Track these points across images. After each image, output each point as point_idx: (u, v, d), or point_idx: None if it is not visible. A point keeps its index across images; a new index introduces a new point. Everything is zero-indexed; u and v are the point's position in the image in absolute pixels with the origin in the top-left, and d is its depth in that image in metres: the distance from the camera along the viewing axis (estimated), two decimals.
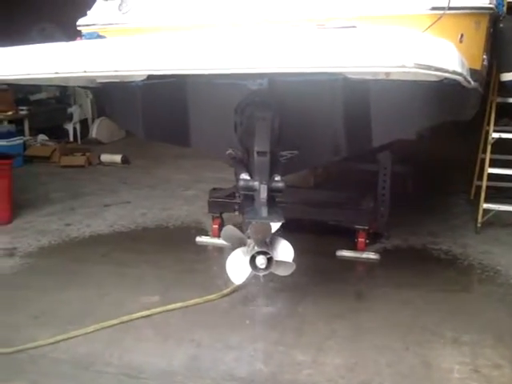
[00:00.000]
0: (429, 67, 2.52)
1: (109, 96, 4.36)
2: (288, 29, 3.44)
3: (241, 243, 3.47)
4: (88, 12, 4.20)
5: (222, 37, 3.07)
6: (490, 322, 4.03)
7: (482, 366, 3.50)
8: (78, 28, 4.14)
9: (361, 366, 3.50)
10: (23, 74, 3.15)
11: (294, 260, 3.58)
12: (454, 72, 2.68)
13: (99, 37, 3.80)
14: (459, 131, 6.72)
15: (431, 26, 3.24)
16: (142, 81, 3.80)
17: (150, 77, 3.67)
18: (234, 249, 3.52)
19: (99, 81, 3.96)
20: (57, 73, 3.01)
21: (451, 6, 3.40)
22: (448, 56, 2.64)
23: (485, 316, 4.14)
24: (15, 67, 3.18)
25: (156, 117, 4.24)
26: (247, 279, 3.59)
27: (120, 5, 3.97)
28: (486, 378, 3.39)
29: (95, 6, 4.19)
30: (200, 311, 4.18)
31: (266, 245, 3.39)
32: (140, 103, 4.20)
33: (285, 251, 3.51)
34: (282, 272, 3.59)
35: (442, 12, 3.31)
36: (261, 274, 3.40)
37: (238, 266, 3.50)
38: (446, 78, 2.88)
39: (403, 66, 2.44)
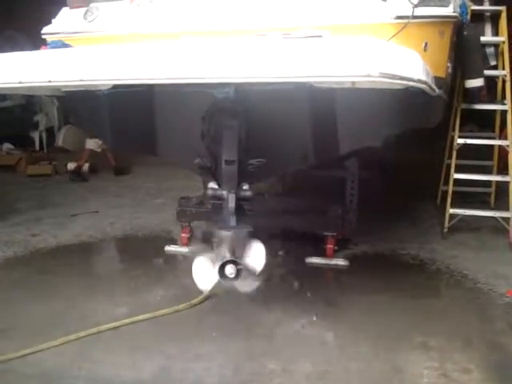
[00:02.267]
0: (394, 76, 2.54)
1: (75, 104, 4.30)
2: (254, 38, 3.44)
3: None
4: (53, 20, 4.15)
5: (188, 46, 3.05)
6: (458, 326, 4.06)
7: (450, 370, 3.52)
8: (43, 36, 4.09)
9: (331, 374, 3.50)
10: None
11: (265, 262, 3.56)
12: (418, 81, 2.71)
13: (64, 45, 3.76)
14: (425, 137, 6.80)
15: (396, 34, 3.28)
16: (108, 89, 3.75)
17: (115, 86, 3.63)
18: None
19: (64, 90, 3.90)
20: (21, 82, 2.96)
21: (415, 14, 3.45)
22: (412, 65, 2.66)
23: (453, 320, 4.17)
24: None
25: (123, 126, 4.19)
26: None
27: (85, 13, 3.93)
28: (455, 382, 3.41)
29: (60, 14, 4.14)
30: (169, 322, 4.13)
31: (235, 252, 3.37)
32: (106, 112, 4.16)
33: (257, 254, 3.49)
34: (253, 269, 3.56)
35: (406, 21, 3.36)
36: (228, 282, 3.37)
37: (205, 273, 3.48)
38: (410, 87, 2.90)
39: (369, 76, 2.46)
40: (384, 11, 3.43)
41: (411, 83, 2.69)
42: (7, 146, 10.53)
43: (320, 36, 3.15)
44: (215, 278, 3.40)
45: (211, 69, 2.85)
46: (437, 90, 3.41)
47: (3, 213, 6.89)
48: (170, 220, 6.26)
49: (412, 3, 3.49)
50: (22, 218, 6.77)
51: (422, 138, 6.93)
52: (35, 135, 11.55)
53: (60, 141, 11.60)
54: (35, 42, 11.63)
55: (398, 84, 2.71)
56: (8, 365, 3.60)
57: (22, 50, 10.05)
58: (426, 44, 3.64)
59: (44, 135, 11.67)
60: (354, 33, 3.31)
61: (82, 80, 2.86)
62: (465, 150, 6.01)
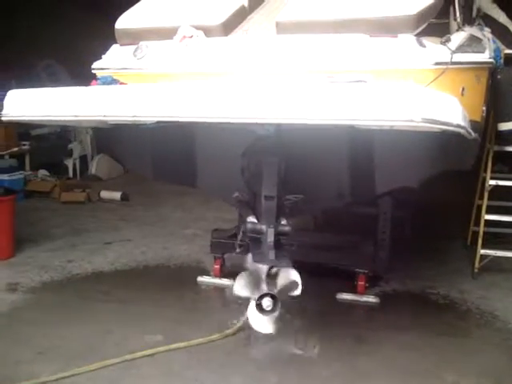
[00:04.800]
0: (435, 121, 2.65)
1: (117, 137, 4.48)
2: (300, 80, 3.57)
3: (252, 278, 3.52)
4: (103, 56, 4.34)
5: (234, 86, 3.21)
6: (488, 366, 4.09)
7: None
8: (93, 71, 4.27)
9: None
10: (46, 115, 3.28)
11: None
12: (457, 125, 2.81)
13: (113, 81, 3.93)
14: (456, 177, 6.85)
15: (435, 79, 3.39)
16: (153, 123, 3.90)
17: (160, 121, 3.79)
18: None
19: (111, 123, 4.07)
20: (76, 116, 3.13)
21: (453, 60, 3.56)
22: (452, 110, 2.77)
23: (484, 360, 4.19)
24: (39, 109, 3.30)
25: (164, 159, 4.35)
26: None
27: (135, 50, 4.11)
28: None
29: (110, 50, 4.33)
30: (203, 351, 4.21)
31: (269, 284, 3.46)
32: (149, 144, 4.33)
33: (291, 280, 3.56)
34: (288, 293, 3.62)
35: (444, 67, 3.47)
36: (269, 315, 3.46)
37: (259, 317, 3.55)
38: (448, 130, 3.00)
39: (411, 121, 2.57)
40: (424, 57, 3.55)
41: (451, 128, 2.80)
42: (42, 172, 10.71)
43: (364, 81, 3.28)
44: (252, 310, 3.49)
45: (255, 110, 2.99)
46: (473, 134, 3.51)
47: (39, 238, 7.05)
48: (202, 251, 6.37)
49: (450, 50, 3.61)
50: (57, 244, 6.91)
51: (454, 179, 7.01)
52: (69, 163, 11.75)
53: (93, 169, 11.86)
54: (72, 72, 11.96)
55: (438, 128, 2.81)
56: None
57: (59, 79, 10.35)
58: (464, 89, 3.74)
59: (78, 163, 11.89)
60: (395, 77, 3.43)
61: (135, 116, 3.02)
62: (495, 191, 6.04)
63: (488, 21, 5.97)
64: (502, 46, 5.86)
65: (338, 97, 2.77)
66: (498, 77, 5.14)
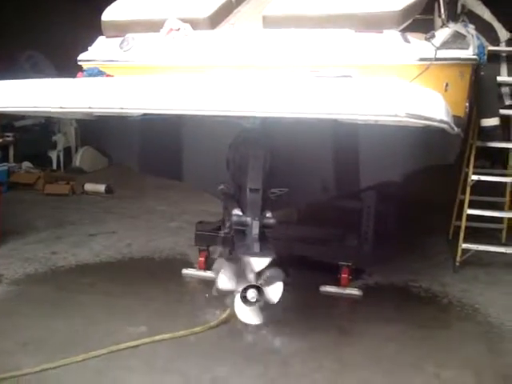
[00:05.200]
0: (419, 116, 2.69)
1: (103, 129, 4.48)
2: (284, 73, 3.60)
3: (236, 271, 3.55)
4: (89, 48, 4.33)
5: (218, 80, 3.23)
6: (470, 358, 4.15)
7: None
8: (79, 62, 4.27)
9: None
10: (32, 106, 3.27)
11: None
12: (440, 121, 2.85)
13: (100, 72, 3.93)
14: (438, 172, 6.92)
15: (419, 75, 3.43)
16: (139, 116, 3.91)
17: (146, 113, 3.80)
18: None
19: (96, 115, 4.06)
20: (61, 107, 3.13)
21: (437, 57, 3.61)
22: (436, 106, 2.81)
23: (465, 352, 4.26)
24: (24, 100, 3.29)
25: (151, 151, 4.36)
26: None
27: (121, 43, 4.12)
28: None
29: (97, 43, 4.33)
30: (187, 343, 4.24)
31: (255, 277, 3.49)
32: (135, 138, 4.34)
33: (276, 281, 3.60)
34: (272, 296, 3.66)
35: (428, 63, 3.52)
36: (253, 306, 3.49)
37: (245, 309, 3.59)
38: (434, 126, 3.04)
39: (396, 116, 2.61)
40: (408, 53, 3.60)
41: (434, 123, 2.84)
42: (26, 164, 10.68)
43: (350, 76, 3.31)
44: (237, 301, 3.52)
45: (241, 103, 3.01)
46: (456, 129, 3.56)
47: (23, 230, 7.02)
48: (186, 243, 6.39)
49: (434, 46, 3.66)
50: (42, 236, 6.90)
51: (437, 174, 7.08)
52: (53, 155, 11.72)
53: (77, 161, 11.83)
54: (55, 62, 11.87)
55: (421, 123, 2.86)
56: (28, 379, 3.71)
57: (42, 70, 10.28)
58: (447, 84, 3.80)
59: (62, 155, 11.84)
60: (380, 73, 3.48)
61: (122, 108, 3.03)
62: (477, 186, 6.11)
63: (472, 17, 6.04)
64: (486, 43, 5.94)
65: (323, 91, 2.80)
66: (482, 73, 5.20)
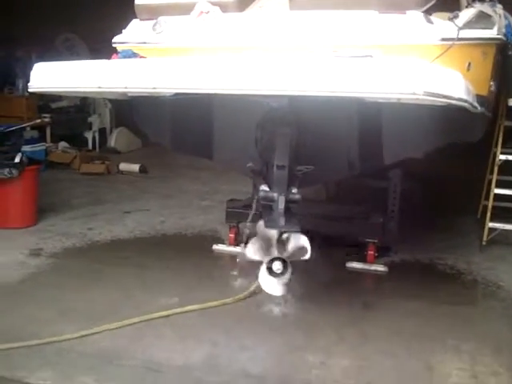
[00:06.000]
0: (437, 95, 2.80)
1: (137, 108, 4.66)
2: (310, 54, 3.72)
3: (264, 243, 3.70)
4: (123, 30, 4.51)
5: (249, 60, 3.37)
6: (490, 333, 4.24)
7: (480, 372, 3.72)
8: (114, 45, 4.45)
9: (367, 369, 3.73)
10: (71, 87, 3.48)
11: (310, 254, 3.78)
12: (459, 99, 2.95)
13: (133, 54, 4.10)
14: (471, 152, 6.95)
15: (440, 55, 3.52)
16: (171, 96, 4.07)
17: (178, 93, 3.96)
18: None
19: (130, 95, 4.24)
20: (100, 87, 3.31)
21: (460, 37, 3.69)
22: (454, 84, 2.91)
23: (486, 327, 4.35)
24: (64, 81, 3.50)
25: (182, 130, 4.53)
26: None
27: (154, 25, 4.28)
28: (484, 383, 3.62)
29: (130, 25, 4.50)
30: (217, 313, 4.43)
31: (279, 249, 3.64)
32: (168, 116, 4.51)
33: (300, 245, 3.74)
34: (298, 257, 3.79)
35: (451, 43, 3.60)
36: (280, 278, 3.65)
37: (268, 280, 3.75)
38: (452, 104, 3.14)
39: (414, 94, 2.72)
40: (430, 33, 3.68)
41: (452, 101, 2.94)
42: (63, 144, 10.97)
43: (371, 56, 3.42)
44: (262, 272, 3.68)
45: (269, 83, 3.16)
46: (478, 108, 3.64)
47: (60, 207, 7.31)
48: (217, 221, 6.57)
49: (457, 26, 3.73)
50: (78, 213, 7.16)
51: (468, 154, 7.11)
52: (89, 135, 12.00)
53: (112, 142, 12.10)
54: (89, 45, 12.17)
55: (441, 101, 2.96)
56: (67, 344, 3.94)
57: (78, 53, 10.55)
58: (470, 64, 3.87)
59: (97, 136, 12.12)
60: (402, 53, 3.57)
61: (154, 88, 3.20)
62: (508, 167, 6.14)
63: None
64: None
65: (344, 70, 2.93)
66: (510, 53, 5.23)
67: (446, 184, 8.20)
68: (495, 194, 6.17)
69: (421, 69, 2.82)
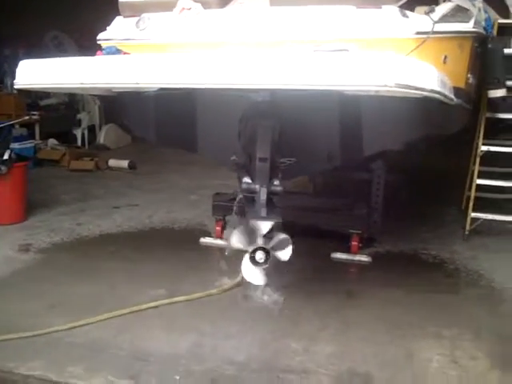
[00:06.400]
0: (408, 87, 2.89)
1: (122, 104, 4.74)
2: (288, 49, 3.82)
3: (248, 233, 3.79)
4: (107, 28, 4.58)
5: (230, 55, 3.45)
6: (470, 319, 4.35)
7: (459, 357, 3.82)
8: (98, 42, 4.52)
9: (349, 355, 3.83)
10: (55, 83, 3.55)
11: (292, 251, 3.87)
12: (431, 90, 3.05)
13: (117, 51, 4.18)
14: (455, 144, 7.04)
15: (415, 48, 3.61)
16: (155, 91, 4.15)
17: (161, 88, 4.04)
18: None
19: (115, 91, 4.32)
20: (82, 83, 3.39)
21: (435, 30, 3.78)
22: (426, 76, 3.01)
23: (466, 314, 4.46)
24: (48, 77, 3.57)
25: (166, 125, 4.61)
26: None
27: (137, 22, 4.36)
28: (463, 367, 3.71)
29: (114, 22, 4.57)
30: (203, 304, 4.52)
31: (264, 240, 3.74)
32: (152, 111, 4.59)
33: (284, 244, 3.83)
34: (281, 255, 3.88)
35: (425, 36, 3.70)
36: (262, 267, 3.75)
37: (252, 269, 3.85)
38: (427, 96, 3.23)
39: (385, 86, 2.81)
40: (406, 27, 3.77)
41: (425, 93, 3.04)
42: (52, 141, 11.03)
43: (346, 50, 3.51)
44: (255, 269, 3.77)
45: (250, 77, 3.24)
46: (455, 99, 3.74)
47: (49, 203, 7.38)
48: (205, 215, 6.65)
49: (432, 20, 3.83)
50: (67, 209, 7.25)
51: (453, 146, 7.21)
52: (78, 132, 12.05)
53: (101, 138, 12.16)
54: (78, 42, 12.20)
55: (414, 94, 3.05)
56: (57, 335, 4.02)
57: (65, 49, 10.59)
58: (446, 57, 3.97)
59: (86, 132, 12.17)
60: (379, 47, 3.67)
61: (137, 83, 3.28)
62: (494, 158, 6.25)
63: None
64: (496, 16, 6.05)
65: (321, 65, 3.02)
66: (489, 46, 5.34)
67: (431, 176, 8.33)
68: (478, 185, 6.27)
69: (392, 61, 2.91)
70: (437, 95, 3.17)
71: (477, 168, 6.30)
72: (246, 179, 3.93)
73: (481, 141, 6.28)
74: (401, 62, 2.96)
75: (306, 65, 3.06)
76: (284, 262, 3.92)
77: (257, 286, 4.56)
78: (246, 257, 3.74)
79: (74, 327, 4.12)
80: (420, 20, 3.86)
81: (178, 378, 3.58)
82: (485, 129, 6.30)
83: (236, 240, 3.76)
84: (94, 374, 3.59)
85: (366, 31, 3.76)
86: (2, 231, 6.27)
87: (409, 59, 3.10)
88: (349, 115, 4.11)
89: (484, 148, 6.21)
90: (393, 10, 3.78)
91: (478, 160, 6.29)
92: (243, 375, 3.62)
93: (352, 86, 2.99)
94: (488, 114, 6.24)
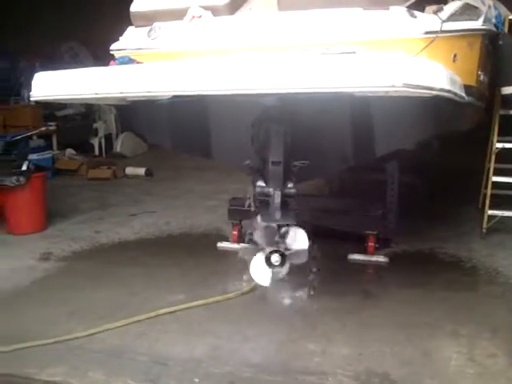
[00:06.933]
0: (417, 86, 2.91)
1: (137, 113, 4.80)
2: (297, 53, 3.85)
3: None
4: (120, 38, 4.65)
5: (240, 61, 3.50)
6: (487, 317, 4.34)
7: (478, 355, 3.82)
8: (111, 52, 4.59)
9: (367, 356, 3.84)
10: (70, 94, 3.63)
11: (309, 247, 3.92)
12: (441, 89, 3.06)
13: (130, 60, 4.24)
14: (472, 143, 7.02)
15: (425, 48, 3.63)
16: (168, 99, 4.21)
17: (174, 96, 4.10)
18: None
19: (129, 99, 4.38)
20: (96, 93, 3.46)
21: (444, 29, 3.80)
22: (435, 75, 3.03)
23: (483, 311, 4.45)
24: (63, 88, 3.65)
25: (181, 131, 4.67)
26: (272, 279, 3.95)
27: (149, 31, 4.43)
28: (481, 366, 3.70)
29: (126, 32, 4.65)
30: (220, 308, 4.56)
31: (279, 242, 3.77)
32: (166, 119, 4.65)
33: (299, 240, 3.86)
34: (296, 260, 3.92)
35: (434, 35, 3.71)
36: (278, 270, 3.78)
37: (261, 270, 3.88)
38: (437, 95, 3.25)
39: (393, 86, 2.84)
40: (414, 27, 3.79)
41: (434, 92, 3.05)
42: (69, 151, 11.15)
43: (354, 52, 3.54)
44: (267, 271, 3.81)
45: (262, 82, 3.29)
46: (466, 98, 3.75)
47: (68, 212, 7.49)
48: (221, 220, 6.68)
49: (441, 19, 3.84)
50: (86, 217, 7.34)
51: (467, 144, 7.19)
52: (95, 142, 12.19)
53: (118, 147, 12.27)
54: (93, 53, 12.34)
55: (423, 93, 3.07)
56: (77, 341, 4.09)
57: (81, 60, 10.73)
58: (455, 55, 3.97)
59: (103, 141, 12.30)
60: (387, 47, 3.69)
61: (149, 92, 3.34)
62: (506, 155, 6.22)
63: None
64: (508, 13, 6.03)
65: (329, 67, 3.06)
66: (500, 42, 5.33)
67: (447, 174, 8.29)
68: (493, 182, 6.25)
69: (399, 62, 2.93)
70: (447, 94, 3.18)
71: (492, 165, 6.28)
72: (260, 183, 3.97)
73: (495, 138, 6.27)
74: (408, 61, 2.98)
75: (315, 68, 3.09)
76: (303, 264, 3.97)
77: (274, 289, 4.60)
78: (258, 257, 3.77)
79: (94, 333, 4.18)
80: (428, 19, 3.87)
81: (197, 380, 3.62)
82: (499, 126, 6.29)
83: (258, 236, 3.79)
84: (114, 379, 3.64)
85: (375, 33, 3.79)
86: (22, 240, 6.38)
87: (416, 59, 3.13)
88: (359, 116, 4.14)
89: (499, 145, 6.20)
90: (400, 10, 3.80)
91: (493, 157, 6.27)
92: (261, 377, 3.64)
93: (360, 88, 3.02)
94: (502, 111, 6.22)
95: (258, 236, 3.85)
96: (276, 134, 4.00)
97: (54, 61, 11.81)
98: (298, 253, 3.88)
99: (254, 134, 4.33)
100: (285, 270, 3.87)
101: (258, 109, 4.17)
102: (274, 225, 3.79)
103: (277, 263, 3.76)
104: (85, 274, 5.40)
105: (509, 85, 5.61)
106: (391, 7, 3.79)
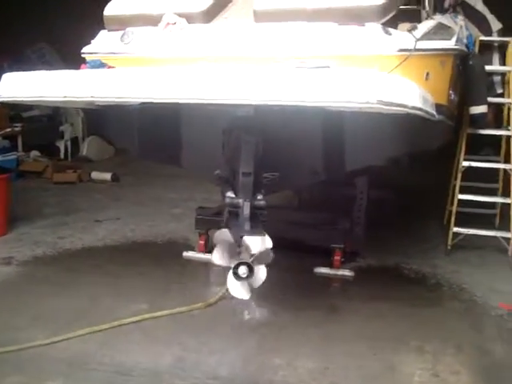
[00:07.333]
0: (391, 103, 2.92)
1: (106, 117, 4.73)
2: (271, 65, 3.84)
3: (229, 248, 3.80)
4: (92, 41, 4.59)
5: (213, 70, 3.47)
6: (452, 333, 4.38)
7: (441, 371, 3.84)
8: (83, 55, 4.52)
9: (331, 370, 3.83)
10: (38, 96, 3.54)
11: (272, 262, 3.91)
12: (413, 107, 3.08)
13: (101, 64, 4.18)
14: (441, 161, 7.11)
15: (398, 65, 3.66)
16: (138, 104, 4.15)
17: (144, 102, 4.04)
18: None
19: (98, 104, 4.31)
20: (65, 97, 3.39)
21: (417, 47, 3.84)
22: (408, 93, 3.04)
23: (448, 328, 4.49)
24: (32, 90, 3.57)
25: (150, 138, 4.62)
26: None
27: (122, 36, 4.38)
28: (444, 382, 3.74)
29: (99, 36, 4.59)
30: (186, 319, 4.50)
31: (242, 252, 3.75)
32: (135, 124, 4.59)
33: (261, 242, 3.83)
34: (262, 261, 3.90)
35: (408, 53, 3.75)
36: (245, 281, 3.75)
37: (236, 284, 3.84)
38: (409, 112, 3.27)
39: (367, 103, 2.84)
40: (388, 44, 3.82)
41: (407, 110, 3.07)
42: (34, 153, 10.95)
43: (328, 67, 3.54)
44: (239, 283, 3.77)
45: (235, 92, 3.26)
46: (436, 116, 3.78)
47: (32, 216, 7.30)
48: (188, 228, 6.62)
49: (415, 37, 3.88)
50: (49, 222, 7.18)
51: (436, 161, 7.28)
52: (61, 144, 11.97)
53: (84, 150, 12.09)
54: (61, 55, 12.15)
55: (396, 110, 3.09)
56: (38, 350, 3.98)
57: (49, 62, 10.56)
58: (428, 74, 4.02)
59: (69, 144, 12.10)
60: (361, 63, 3.70)
61: (119, 98, 3.28)
62: (473, 173, 6.31)
63: (467, 8, 6.26)
64: (479, 33, 6.14)
65: (303, 81, 3.05)
66: (470, 62, 5.42)
67: (414, 191, 8.38)
68: (459, 200, 6.34)
69: (375, 78, 2.95)
70: (419, 112, 3.20)
71: (458, 183, 6.37)
72: (230, 193, 3.94)
73: (462, 156, 6.36)
74: (383, 79, 3.00)
75: (289, 81, 3.08)
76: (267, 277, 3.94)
77: (240, 301, 4.55)
78: (230, 272, 3.74)
79: (56, 342, 4.08)
80: (403, 37, 3.91)
81: None
82: (466, 144, 6.38)
83: (218, 257, 3.76)
84: None
85: (350, 48, 3.81)
86: None
87: (391, 76, 3.14)
88: (332, 130, 4.14)
89: (465, 163, 6.29)
90: (376, 27, 3.83)
91: (459, 175, 6.36)
92: None
93: (334, 103, 3.02)
94: (469, 130, 6.32)
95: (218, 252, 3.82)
96: (247, 145, 3.98)
97: (21, 61, 11.63)
98: (262, 254, 3.83)
99: (225, 141, 4.30)
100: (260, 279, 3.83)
101: (230, 117, 4.14)
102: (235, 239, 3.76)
103: (244, 275, 3.72)
104: (47, 280, 5.28)
105: (477, 105, 5.70)
106: (366, 24, 3.82)
